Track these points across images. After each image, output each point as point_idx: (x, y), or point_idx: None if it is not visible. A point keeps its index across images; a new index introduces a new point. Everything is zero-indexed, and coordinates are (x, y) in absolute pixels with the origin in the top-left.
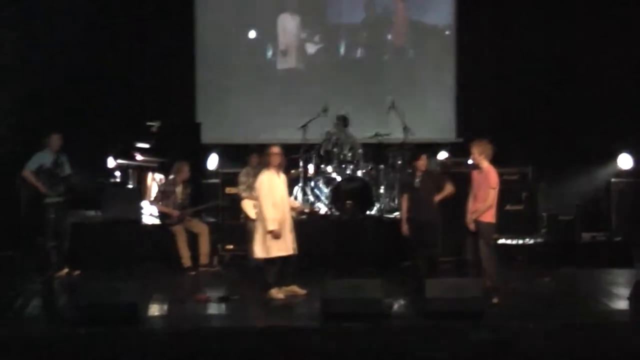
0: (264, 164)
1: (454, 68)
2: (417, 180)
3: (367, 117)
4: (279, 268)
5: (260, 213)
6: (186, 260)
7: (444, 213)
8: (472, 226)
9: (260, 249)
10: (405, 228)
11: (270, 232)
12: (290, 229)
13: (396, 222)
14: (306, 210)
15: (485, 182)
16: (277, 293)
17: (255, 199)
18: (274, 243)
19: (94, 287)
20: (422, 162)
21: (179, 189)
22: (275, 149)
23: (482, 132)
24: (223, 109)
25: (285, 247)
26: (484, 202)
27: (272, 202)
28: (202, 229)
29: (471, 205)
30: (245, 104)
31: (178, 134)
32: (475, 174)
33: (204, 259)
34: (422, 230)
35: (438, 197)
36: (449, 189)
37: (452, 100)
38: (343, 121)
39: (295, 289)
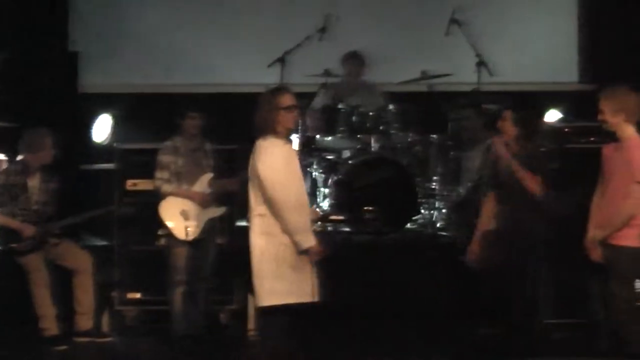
0: (269, 128)
1: None
2: (502, 165)
3: (406, 45)
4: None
5: (266, 218)
6: (49, 324)
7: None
8: (596, 253)
9: (270, 290)
10: (474, 251)
11: (309, 250)
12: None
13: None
14: (333, 217)
15: (625, 167)
16: None
17: (193, 197)
18: (297, 277)
19: None
20: (507, 126)
21: (34, 183)
22: (289, 96)
23: (623, 74)
24: (124, 27)
25: (310, 289)
26: (620, 205)
27: (296, 199)
28: (80, 263)
29: (597, 212)
30: (166, 18)
31: (34, 74)
32: (608, 152)
33: (84, 320)
34: (509, 262)
35: None
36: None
37: (572, 17)
38: (357, 62)
39: None
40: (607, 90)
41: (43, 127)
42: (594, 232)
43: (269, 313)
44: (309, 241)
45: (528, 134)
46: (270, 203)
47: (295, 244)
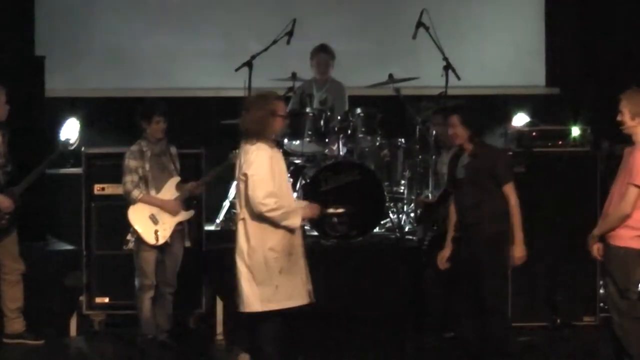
0: (259, 132)
1: None
2: (462, 163)
3: (373, 49)
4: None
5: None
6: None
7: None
8: (596, 250)
9: (261, 296)
10: (444, 257)
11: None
12: (302, 255)
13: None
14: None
15: (628, 169)
16: None
17: (164, 205)
18: (288, 281)
19: None
20: (459, 130)
21: None
22: (283, 104)
23: (589, 78)
24: (90, 31)
25: (303, 291)
26: (617, 206)
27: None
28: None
29: (605, 213)
30: (132, 22)
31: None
32: (624, 155)
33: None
34: (468, 261)
35: None
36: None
37: (539, 22)
38: (325, 55)
39: None
40: (628, 92)
41: None
42: (595, 230)
43: (260, 318)
44: (295, 222)
45: (477, 133)
46: (252, 204)
47: (288, 230)
